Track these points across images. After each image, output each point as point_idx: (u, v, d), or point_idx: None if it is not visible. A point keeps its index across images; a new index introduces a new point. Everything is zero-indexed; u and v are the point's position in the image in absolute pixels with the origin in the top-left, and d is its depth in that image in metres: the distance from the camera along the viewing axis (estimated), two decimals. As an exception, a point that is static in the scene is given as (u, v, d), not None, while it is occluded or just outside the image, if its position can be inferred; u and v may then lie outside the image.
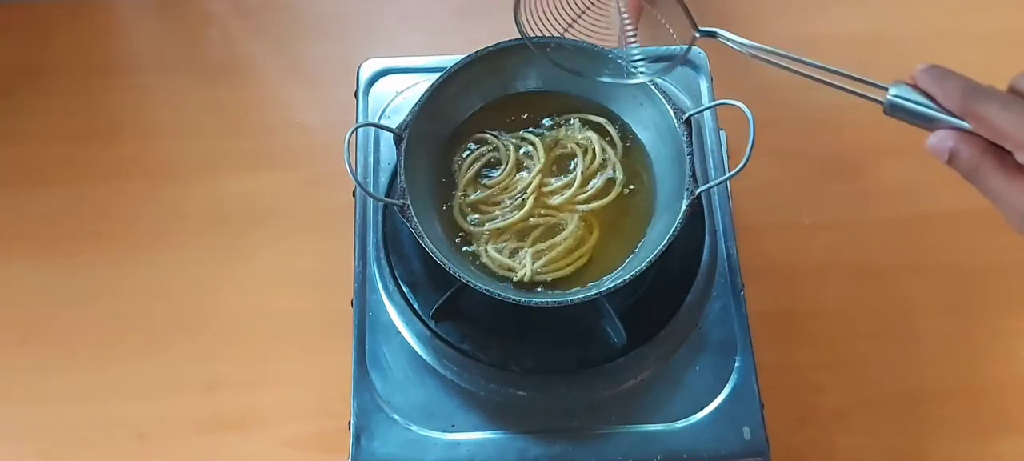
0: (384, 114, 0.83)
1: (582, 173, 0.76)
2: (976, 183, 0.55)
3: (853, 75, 0.58)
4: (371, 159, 0.81)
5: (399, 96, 0.83)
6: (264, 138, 1.00)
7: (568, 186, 0.76)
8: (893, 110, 0.56)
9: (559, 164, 0.77)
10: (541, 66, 0.77)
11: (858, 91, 0.58)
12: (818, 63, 0.59)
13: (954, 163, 0.54)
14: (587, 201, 0.75)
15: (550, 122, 0.79)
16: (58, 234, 0.95)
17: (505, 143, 0.77)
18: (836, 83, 0.58)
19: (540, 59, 0.73)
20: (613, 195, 0.75)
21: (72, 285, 0.92)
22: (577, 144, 0.77)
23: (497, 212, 0.75)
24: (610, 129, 0.78)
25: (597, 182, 0.76)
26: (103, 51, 1.07)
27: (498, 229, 0.74)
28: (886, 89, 0.56)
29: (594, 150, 0.77)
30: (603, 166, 0.77)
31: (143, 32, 1.09)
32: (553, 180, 0.76)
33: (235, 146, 1.00)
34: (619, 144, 0.77)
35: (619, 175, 0.76)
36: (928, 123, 0.55)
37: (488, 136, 0.78)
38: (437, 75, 0.75)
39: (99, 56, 1.06)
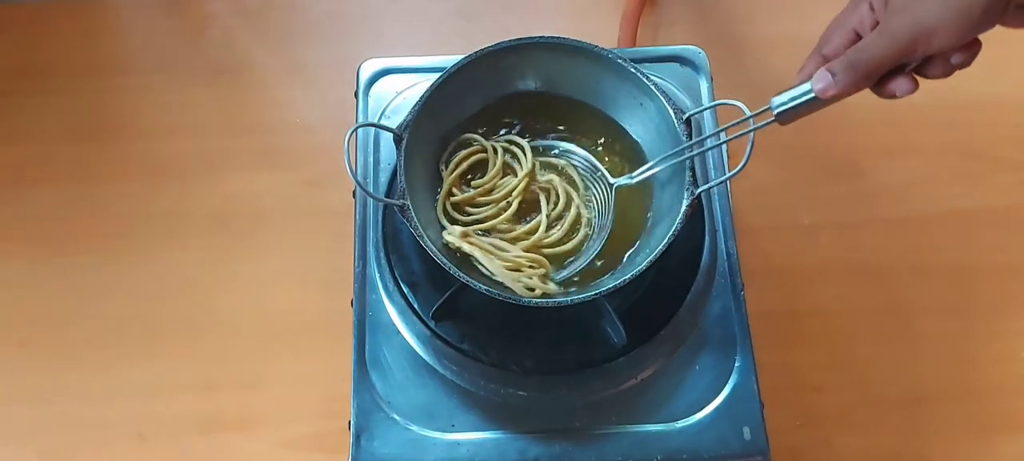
0: (384, 114, 0.83)
1: (547, 216, 0.75)
2: (863, 69, 0.59)
3: (746, 123, 0.66)
4: (371, 159, 0.81)
5: (399, 96, 0.83)
6: (264, 138, 1.00)
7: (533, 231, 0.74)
8: (782, 116, 0.63)
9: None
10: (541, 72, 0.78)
11: (759, 126, 0.65)
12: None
13: (837, 77, 0.59)
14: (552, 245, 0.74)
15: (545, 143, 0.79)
16: (58, 234, 0.95)
17: (493, 145, 0.77)
18: (742, 133, 0.66)
19: None
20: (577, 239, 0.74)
21: (72, 285, 0.92)
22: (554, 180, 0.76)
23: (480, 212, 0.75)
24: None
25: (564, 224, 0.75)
26: (103, 51, 1.07)
27: (481, 228, 0.74)
28: (771, 109, 0.63)
29: (558, 193, 0.75)
30: (567, 207, 0.75)
31: (143, 32, 1.09)
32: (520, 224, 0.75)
33: (235, 146, 1.00)
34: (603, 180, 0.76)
35: (586, 214, 0.75)
36: (812, 105, 0.62)
37: (475, 138, 0.77)
38: (437, 75, 0.75)
39: (99, 56, 1.06)
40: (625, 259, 0.73)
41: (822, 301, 0.92)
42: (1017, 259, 0.94)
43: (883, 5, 0.59)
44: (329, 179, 0.96)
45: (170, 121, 1.02)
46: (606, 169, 0.77)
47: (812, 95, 0.61)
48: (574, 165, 0.77)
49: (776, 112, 0.63)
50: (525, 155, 0.77)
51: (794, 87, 0.62)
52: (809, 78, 0.61)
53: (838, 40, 0.62)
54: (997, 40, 1.08)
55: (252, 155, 0.99)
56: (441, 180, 0.76)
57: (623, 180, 0.75)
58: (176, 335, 0.89)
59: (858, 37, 0.61)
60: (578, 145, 0.78)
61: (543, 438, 0.71)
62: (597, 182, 0.76)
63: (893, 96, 0.60)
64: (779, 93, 0.63)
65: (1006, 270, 0.93)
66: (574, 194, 0.76)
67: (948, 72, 0.59)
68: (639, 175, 0.73)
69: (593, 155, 0.78)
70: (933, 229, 0.95)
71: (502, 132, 0.79)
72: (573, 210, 0.75)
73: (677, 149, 0.71)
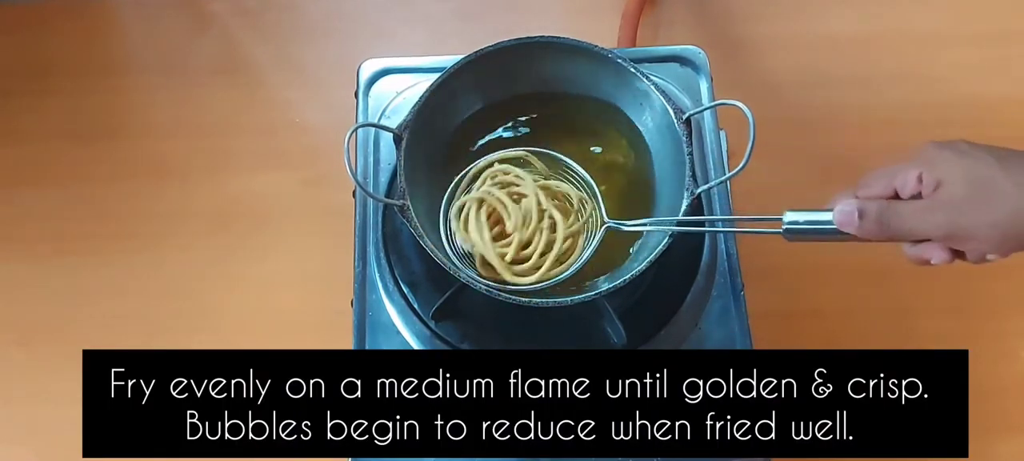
0: (384, 114, 0.83)
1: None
2: (890, 229, 0.57)
3: (749, 217, 0.62)
4: (371, 159, 0.81)
5: (399, 96, 0.83)
6: (264, 138, 1.00)
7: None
8: (790, 234, 0.60)
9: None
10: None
11: (757, 230, 0.63)
12: (715, 217, 0.64)
13: (864, 220, 0.58)
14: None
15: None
16: (58, 234, 0.95)
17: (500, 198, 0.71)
18: (738, 230, 0.64)
19: None
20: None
21: (72, 285, 0.92)
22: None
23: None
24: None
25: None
26: (103, 51, 1.07)
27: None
28: (781, 220, 0.60)
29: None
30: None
31: (143, 32, 1.09)
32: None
33: (235, 146, 1.00)
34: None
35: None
36: (825, 235, 0.60)
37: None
38: (437, 75, 0.75)
39: (99, 56, 1.06)
40: (624, 260, 0.73)
41: (822, 301, 0.92)
42: (1017, 259, 0.93)
43: (933, 186, 0.56)
44: (329, 179, 0.96)
45: (170, 121, 1.02)
46: (602, 197, 0.72)
47: (831, 226, 0.58)
48: (572, 182, 0.74)
49: (785, 226, 0.60)
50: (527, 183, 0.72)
51: (814, 210, 0.60)
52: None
53: (877, 190, 0.59)
54: (997, 40, 1.08)
55: (252, 155, 0.99)
56: (441, 180, 0.76)
57: (614, 224, 0.69)
58: (176, 335, 0.89)
59: (896, 195, 0.59)
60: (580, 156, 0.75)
61: (543, 438, 0.71)
62: (591, 204, 0.73)
63: (927, 262, 0.58)
64: (796, 209, 0.60)
65: (1006, 270, 0.93)
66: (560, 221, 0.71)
67: (982, 262, 0.58)
68: (632, 226, 0.69)
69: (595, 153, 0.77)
70: (933, 229, 0.95)
71: (501, 132, 0.79)
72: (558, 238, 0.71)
73: (672, 220, 0.68)
